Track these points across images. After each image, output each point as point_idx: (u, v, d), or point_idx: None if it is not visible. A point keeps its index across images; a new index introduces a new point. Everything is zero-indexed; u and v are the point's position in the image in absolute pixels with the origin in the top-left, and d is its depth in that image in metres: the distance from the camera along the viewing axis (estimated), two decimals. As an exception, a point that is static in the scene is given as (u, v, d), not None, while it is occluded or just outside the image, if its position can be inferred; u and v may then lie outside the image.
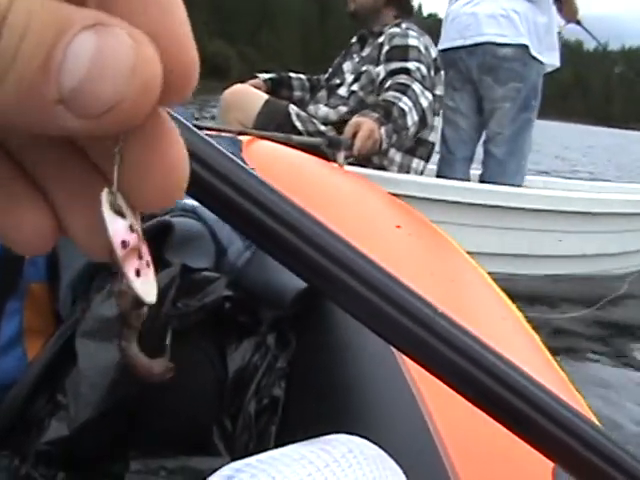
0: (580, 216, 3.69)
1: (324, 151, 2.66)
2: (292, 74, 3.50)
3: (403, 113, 2.89)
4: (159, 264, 0.83)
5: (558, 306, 3.36)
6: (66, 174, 0.21)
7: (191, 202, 0.92)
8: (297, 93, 3.45)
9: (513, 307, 0.96)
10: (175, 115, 0.22)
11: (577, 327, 3.16)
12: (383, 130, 2.80)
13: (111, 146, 0.20)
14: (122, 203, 0.21)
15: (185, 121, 0.23)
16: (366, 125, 2.76)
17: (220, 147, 0.24)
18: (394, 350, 0.74)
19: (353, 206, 1.19)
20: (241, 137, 1.81)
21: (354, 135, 2.76)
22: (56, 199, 0.21)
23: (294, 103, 3.19)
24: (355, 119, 2.82)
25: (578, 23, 4.16)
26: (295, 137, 2.56)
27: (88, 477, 0.73)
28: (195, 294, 0.81)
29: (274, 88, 3.37)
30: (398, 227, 1.09)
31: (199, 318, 0.81)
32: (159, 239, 0.84)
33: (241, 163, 0.24)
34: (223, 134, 1.88)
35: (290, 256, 0.27)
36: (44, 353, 0.79)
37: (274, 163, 1.57)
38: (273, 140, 2.04)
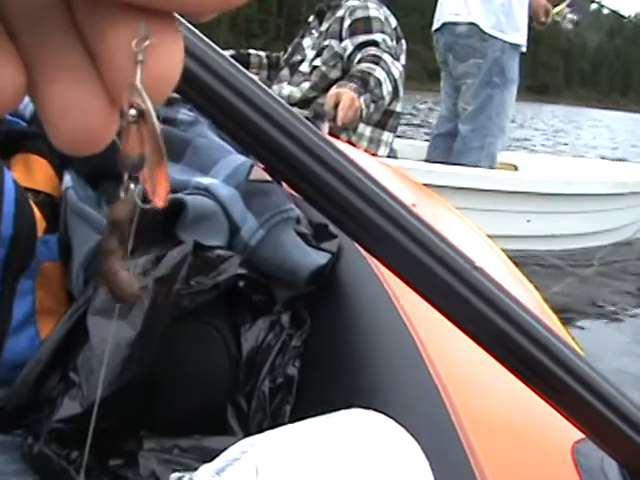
0: (549, 197, 3.80)
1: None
2: (252, 51, 3.44)
3: (379, 82, 2.89)
4: (172, 242, 0.83)
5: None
6: (53, 44, 0.21)
7: (204, 181, 0.91)
8: (253, 70, 3.39)
9: (531, 287, 0.95)
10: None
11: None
12: (362, 99, 2.80)
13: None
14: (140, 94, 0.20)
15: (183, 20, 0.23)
16: (346, 95, 2.76)
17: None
18: (408, 326, 0.73)
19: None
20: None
21: (335, 106, 2.76)
22: (36, 63, 0.21)
23: None
24: (334, 90, 2.82)
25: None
26: None
27: (101, 455, 0.72)
28: (208, 272, 0.80)
29: None
30: (414, 206, 1.07)
31: (212, 296, 0.81)
32: (172, 217, 0.83)
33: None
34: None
35: (322, 194, 0.26)
36: (56, 331, 0.78)
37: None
38: None
